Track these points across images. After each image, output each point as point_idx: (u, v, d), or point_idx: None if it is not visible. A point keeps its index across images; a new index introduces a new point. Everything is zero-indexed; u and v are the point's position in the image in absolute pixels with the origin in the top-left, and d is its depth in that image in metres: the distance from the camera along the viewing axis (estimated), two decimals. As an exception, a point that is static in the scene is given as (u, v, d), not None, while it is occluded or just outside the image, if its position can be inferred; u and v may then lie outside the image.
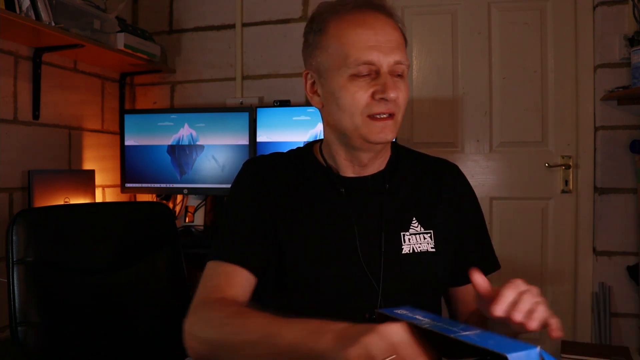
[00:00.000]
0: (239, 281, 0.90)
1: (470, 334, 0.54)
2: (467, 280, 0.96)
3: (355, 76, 0.87)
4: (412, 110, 2.46)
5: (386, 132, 0.89)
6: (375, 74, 0.88)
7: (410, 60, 2.43)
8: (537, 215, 2.35)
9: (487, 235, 1.05)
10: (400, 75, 0.90)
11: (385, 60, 0.87)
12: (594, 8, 2.24)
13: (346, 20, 0.89)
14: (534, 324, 0.66)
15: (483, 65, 2.39)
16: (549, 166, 2.33)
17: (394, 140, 0.95)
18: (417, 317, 0.61)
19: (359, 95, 0.87)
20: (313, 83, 0.95)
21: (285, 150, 1.06)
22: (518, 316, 0.66)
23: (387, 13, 0.91)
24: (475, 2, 2.39)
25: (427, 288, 0.96)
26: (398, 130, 0.92)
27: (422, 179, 1.00)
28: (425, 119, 2.45)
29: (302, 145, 1.06)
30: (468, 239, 1.01)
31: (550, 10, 2.32)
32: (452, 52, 2.43)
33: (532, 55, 2.34)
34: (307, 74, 0.96)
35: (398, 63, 0.88)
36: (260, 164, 1.02)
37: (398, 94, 0.88)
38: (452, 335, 0.54)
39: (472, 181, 1.04)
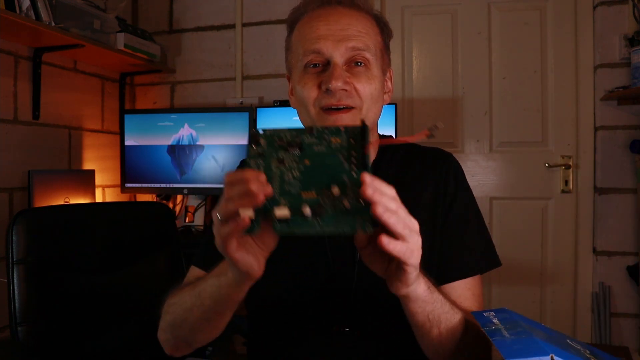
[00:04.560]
0: None
1: (505, 340, 0.60)
2: (446, 279, 0.88)
3: (307, 68, 0.84)
4: (412, 110, 2.47)
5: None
6: (326, 65, 0.83)
7: (410, 60, 2.48)
8: (537, 215, 2.35)
9: (476, 232, 0.92)
10: (362, 64, 0.83)
11: (336, 49, 0.82)
12: (594, 8, 2.24)
13: (308, 17, 0.87)
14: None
15: (483, 66, 2.39)
16: (549, 166, 2.33)
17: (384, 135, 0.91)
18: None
19: (309, 87, 0.83)
20: (291, 85, 0.92)
21: None
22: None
23: (350, 4, 0.86)
24: (475, 2, 2.39)
25: None
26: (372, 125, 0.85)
27: (405, 176, 0.92)
28: (425, 119, 2.45)
29: None
30: (450, 235, 0.90)
31: (550, 10, 2.32)
32: (452, 52, 2.43)
33: (532, 55, 2.34)
34: (288, 77, 0.94)
35: (355, 49, 0.82)
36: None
37: (354, 84, 0.82)
38: (491, 339, 0.61)
39: (472, 181, 0.98)
